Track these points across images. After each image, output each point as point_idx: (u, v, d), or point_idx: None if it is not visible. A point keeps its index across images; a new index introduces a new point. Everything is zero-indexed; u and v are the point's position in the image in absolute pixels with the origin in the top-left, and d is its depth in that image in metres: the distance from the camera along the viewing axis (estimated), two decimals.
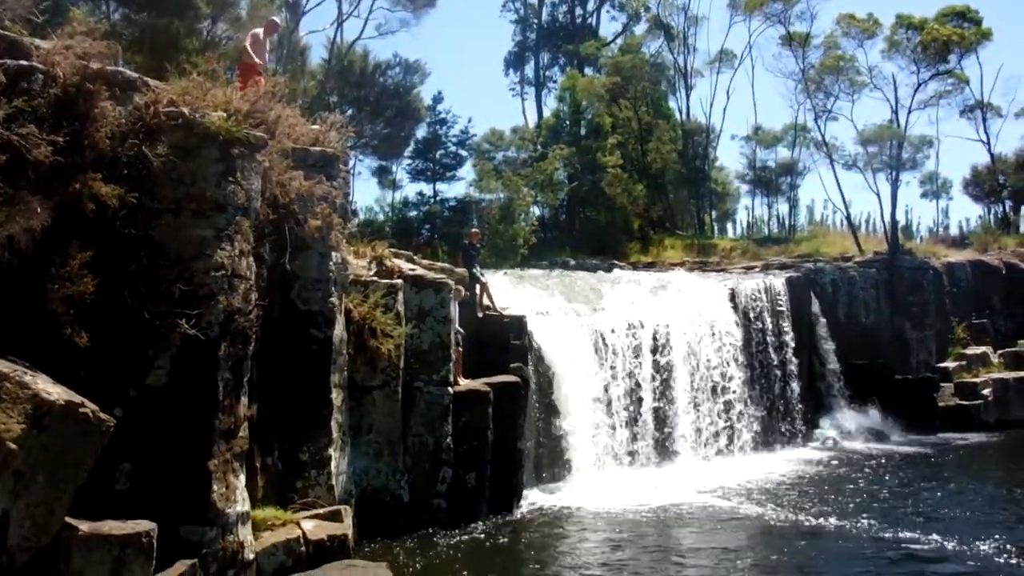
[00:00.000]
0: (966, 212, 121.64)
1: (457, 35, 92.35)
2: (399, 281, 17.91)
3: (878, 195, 42.15)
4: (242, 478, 12.34)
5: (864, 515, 18.60)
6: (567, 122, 47.47)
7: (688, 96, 51.92)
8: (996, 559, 15.29)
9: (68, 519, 9.90)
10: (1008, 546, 15.85)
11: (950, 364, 35.71)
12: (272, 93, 14.95)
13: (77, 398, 9.91)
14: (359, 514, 15.84)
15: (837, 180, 48.25)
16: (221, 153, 12.29)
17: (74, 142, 11.37)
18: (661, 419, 25.55)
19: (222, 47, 32.65)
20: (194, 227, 11.96)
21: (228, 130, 12.31)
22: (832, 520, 18.29)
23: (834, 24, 44.38)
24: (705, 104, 54.83)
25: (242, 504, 12.17)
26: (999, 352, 36.54)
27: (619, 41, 55.55)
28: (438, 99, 46.84)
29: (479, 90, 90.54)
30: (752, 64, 50.62)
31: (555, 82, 55.44)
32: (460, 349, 19.55)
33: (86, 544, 9.89)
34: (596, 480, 22.34)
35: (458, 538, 16.93)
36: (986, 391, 34.12)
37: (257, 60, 16.93)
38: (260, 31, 17.48)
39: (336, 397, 15.41)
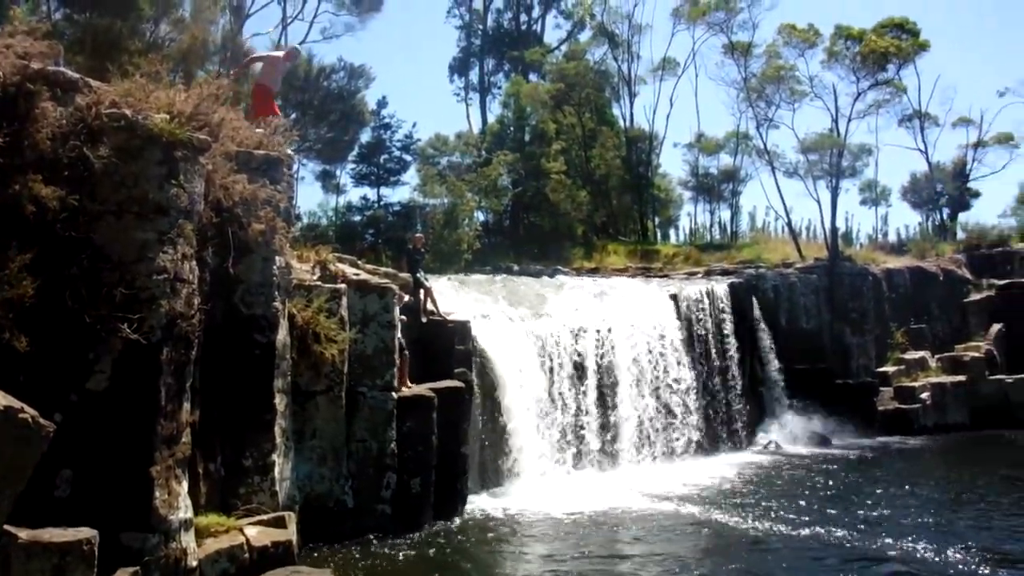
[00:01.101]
0: (905, 219, 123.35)
1: (402, 40, 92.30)
2: (343, 286, 17.80)
3: (818, 202, 42.54)
4: (185, 484, 12.22)
5: (807, 519, 18.78)
6: (511, 128, 47.53)
7: (632, 103, 52.21)
8: (938, 562, 15.49)
9: (7, 527, 9.75)
10: (950, 550, 16.06)
11: (889, 369, 36.16)
12: (216, 96, 14.80)
13: (16, 403, 9.75)
14: (303, 520, 15.70)
15: (778, 187, 48.79)
16: (164, 155, 12.18)
17: (14, 143, 11.23)
18: (604, 424, 25.64)
19: (165, 48, 32.37)
20: (136, 230, 11.83)
21: (171, 132, 12.20)
22: (775, 524, 18.41)
23: (776, 34, 44.85)
24: (648, 111, 55.49)
25: (185, 511, 12.05)
26: (937, 357, 37.03)
27: (564, 48, 55.83)
28: (383, 104, 46.82)
29: (424, 95, 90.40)
30: (695, 72, 51.29)
31: (500, 88, 55.64)
32: (406, 354, 19.48)
33: (26, 552, 9.73)
34: (540, 485, 22.35)
35: (402, 544, 16.86)
36: (924, 395, 34.60)
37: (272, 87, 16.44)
38: (279, 55, 16.90)
39: (279, 402, 15.29)
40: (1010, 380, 35.98)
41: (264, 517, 14.16)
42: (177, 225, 12.18)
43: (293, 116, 36.95)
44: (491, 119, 51.86)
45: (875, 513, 19.55)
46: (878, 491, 22.38)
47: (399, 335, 19.33)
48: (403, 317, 19.71)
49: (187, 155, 12.51)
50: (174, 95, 13.52)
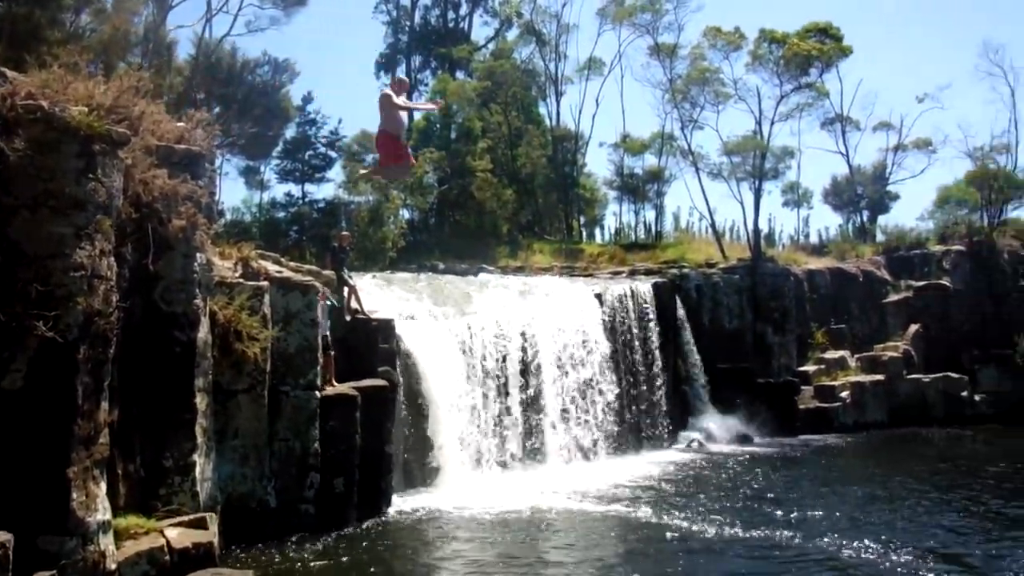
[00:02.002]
0: (826, 221, 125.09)
1: (328, 35, 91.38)
2: (265, 283, 17.59)
3: (742, 203, 42.83)
4: (103, 486, 11.99)
5: (733, 518, 18.88)
6: (437, 125, 47.40)
7: (558, 102, 52.31)
8: (870, 559, 15.68)
9: None
10: (880, 547, 16.28)
11: (810, 368, 36.67)
12: (136, 89, 14.54)
13: None
14: (225, 521, 15.51)
15: (702, 188, 49.28)
16: (82, 149, 11.94)
17: None
18: (529, 422, 25.64)
19: (85, 39, 31.76)
20: (52, 225, 11.60)
21: (89, 125, 11.95)
22: (701, 523, 18.48)
23: (701, 36, 45.17)
24: (575, 111, 55.16)
25: (103, 512, 11.83)
26: (856, 356, 37.63)
27: (491, 46, 55.73)
28: (308, 99, 46.44)
29: (350, 91, 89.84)
30: (621, 73, 51.11)
31: (426, 85, 55.36)
32: (332, 353, 19.31)
33: None
34: (464, 484, 22.29)
35: (326, 544, 16.73)
36: (844, 394, 35.13)
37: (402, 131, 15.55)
38: (390, 92, 15.88)
39: (200, 401, 15.06)
40: (927, 379, 36.74)
41: (185, 518, 13.97)
42: (95, 220, 11.94)
43: (216, 110, 36.53)
44: (417, 116, 51.58)
45: (801, 511, 19.73)
46: (802, 489, 22.67)
47: (327, 333, 19.18)
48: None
49: (106, 149, 12.27)
50: (93, 87, 13.25)
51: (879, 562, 15.38)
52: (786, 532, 17.48)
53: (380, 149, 15.16)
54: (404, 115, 15.68)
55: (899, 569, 14.91)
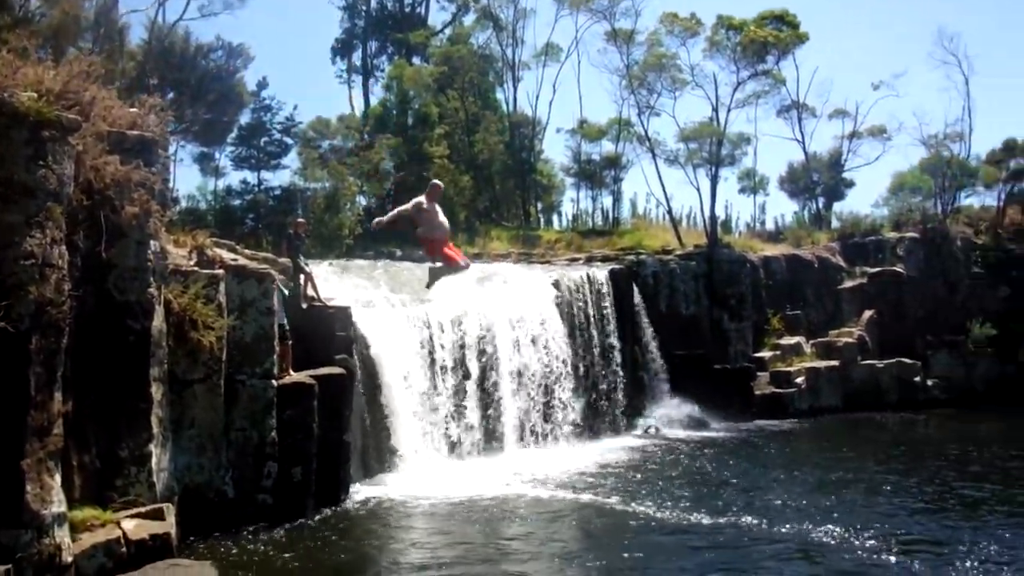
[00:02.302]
0: (782, 208, 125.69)
1: (283, 20, 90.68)
2: (221, 271, 17.43)
3: (698, 190, 42.87)
4: (58, 478, 11.84)
5: (693, 502, 18.99)
6: (394, 111, 47.07)
7: (515, 88, 52.03)
8: (831, 544, 15.79)
9: None
10: (842, 532, 16.41)
11: (766, 354, 36.87)
12: (87, 73, 14.34)
13: None
14: (182, 511, 15.39)
15: (659, 175, 49.13)
16: (31, 135, 11.76)
17: None
18: (487, 409, 25.60)
19: (35, 23, 31.27)
20: (2, 213, 11.42)
21: (39, 111, 11.77)
22: (662, 507, 18.55)
23: (658, 22, 45.10)
24: (532, 97, 55.13)
25: (58, 505, 11.68)
26: (811, 342, 37.90)
27: (448, 31, 55.43)
28: (263, 85, 45.92)
29: (305, 77, 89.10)
30: (578, 59, 51.11)
31: (382, 71, 54.99)
32: (290, 342, 19.19)
33: None
34: (423, 472, 22.23)
35: (284, 533, 16.66)
36: (799, 379, 35.37)
37: (437, 234, 15.06)
38: (423, 199, 15.42)
39: (156, 391, 14.92)
40: (881, 365, 37.11)
41: (142, 509, 13.87)
42: (45, 208, 11.76)
43: (170, 96, 36.19)
44: (374, 102, 51.29)
45: (764, 496, 19.86)
46: (762, 474, 22.77)
47: (284, 322, 19.05)
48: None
49: (56, 135, 12.09)
50: (43, 72, 13.06)
51: (845, 547, 15.47)
52: (751, 518, 17.53)
53: (428, 252, 15.05)
54: (442, 218, 15.61)
55: (865, 554, 15.01)
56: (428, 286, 27.00)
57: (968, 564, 14.23)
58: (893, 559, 14.64)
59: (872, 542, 15.64)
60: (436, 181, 15.41)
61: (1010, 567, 14.34)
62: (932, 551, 15.28)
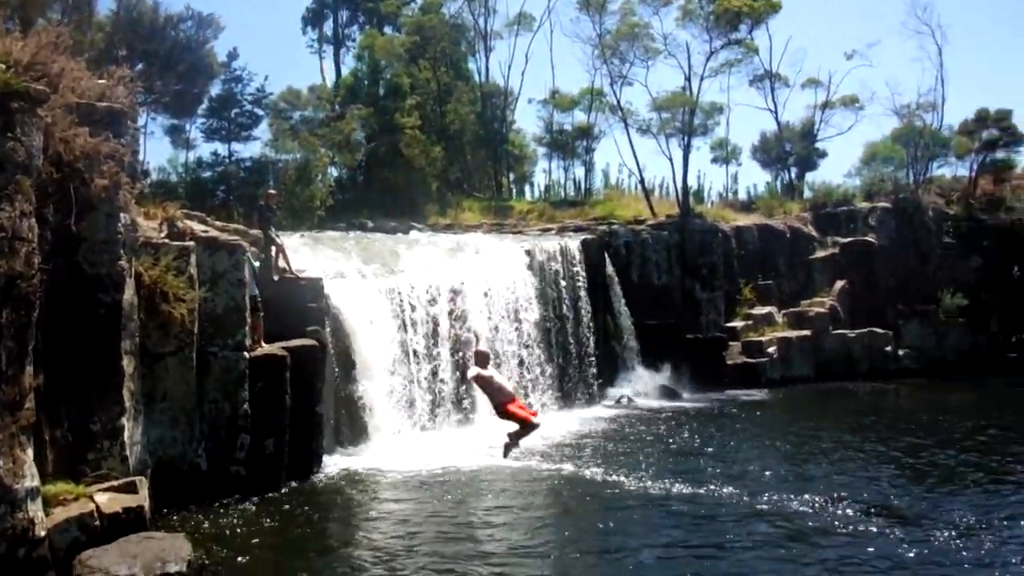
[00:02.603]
0: (754, 178, 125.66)
1: None
2: (192, 243, 17.33)
3: (671, 160, 42.98)
4: (30, 452, 11.77)
5: (669, 473, 19.14)
6: (365, 82, 46.91)
7: (487, 58, 52.04)
8: (804, 511, 16.02)
9: None
10: (814, 497, 16.68)
11: (738, 324, 37.13)
12: (55, 45, 14.19)
13: None
14: (156, 484, 15.36)
15: (632, 145, 49.17)
16: None
17: None
18: (459, 381, 25.62)
19: None
20: None
21: (6, 83, 11.64)
22: (637, 478, 18.68)
23: None
24: (504, 67, 54.99)
25: (31, 479, 11.62)
26: (783, 312, 38.17)
27: (419, 0, 55.12)
28: (233, 56, 45.52)
29: (276, 48, 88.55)
30: (551, 28, 51.03)
31: (354, 41, 54.71)
32: (261, 313, 19.13)
33: None
34: (396, 443, 22.33)
35: (257, 505, 16.70)
36: (771, 349, 35.65)
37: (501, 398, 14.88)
38: (472, 369, 15.25)
39: (127, 364, 14.84)
40: (852, 334, 37.44)
41: (115, 483, 13.82)
42: (14, 181, 11.64)
43: (139, 67, 35.85)
44: (345, 73, 51.10)
45: (740, 466, 20.05)
46: (737, 444, 22.96)
47: (255, 293, 18.99)
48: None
49: (24, 107, 11.96)
50: (10, 44, 12.92)
51: (824, 516, 15.65)
52: (729, 488, 17.67)
53: (499, 416, 14.81)
54: (499, 378, 15.42)
55: (844, 523, 15.19)
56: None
57: (946, 533, 14.38)
58: (873, 528, 14.77)
59: (850, 511, 15.80)
60: (482, 349, 15.00)
61: (986, 532, 14.55)
62: (910, 519, 15.44)
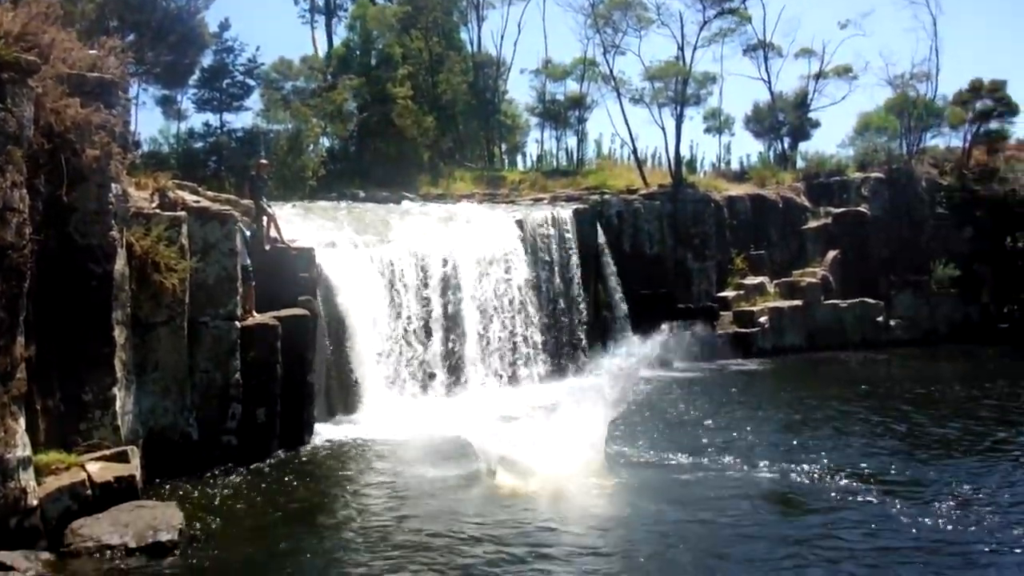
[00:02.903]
0: (747, 148, 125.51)
1: None
2: (183, 213, 17.34)
3: (663, 130, 42.86)
4: (22, 422, 11.86)
5: (666, 442, 19.12)
6: (357, 52, 46.71)
7: (480, 28, 51.84)
8: (804, 482, 16.08)
9: None
10: (812, 468, 16.75)
11: (730, 294, 37.21)
12: (46, 15, 14.16)
13: None
14: (148, 454, 15.46)
15: (624, 114, 48.96)
16: None
17: None
18: (451, 350, 25.75)
19: None
20: None
21: None
22: (635, 446, 18.66)
23: None
24: (496, 36, 54.50)
25: (23, 449, 11.71)
26: (775, 282, 38.22)
27: None
28: (225, 26, 45.29)
29: (267, 18, 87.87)
30: None
31: (345, 11, 54.36)
32: (253, 283, 19.17)
33: None
34: (388, 412, 22.34)
35: (249, 474, 16.76)
36: (763, 319, 35.76)
37: None
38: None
39: (119, 335, 14.90)
40: (844, 304, 37.56)
41: (106, 452, 13.94)
42: (5, 151, 11.68)
43: (131, 37, 35.70)
44: (337, 43, 50.82)
45: (737, 436, 20.00)
46: (731, 414, 22.91)
47: (248, 262, 19.04)
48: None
49: (15, 77, 11.98)
50: (1, 14, 12.89)
51: (825, 487, 15.67)
52: (728, 457, 17.66)
53: None
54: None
55: (844, 494, 15.17)
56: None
57: (944, 504, 14.41)
58: (872, 498, 14.80)
59: (847, 481, 15.86)
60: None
61: (985, 501, 14.66)
62: (907, 489, 15.47)
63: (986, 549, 12.39)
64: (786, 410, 23.50)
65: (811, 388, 27.57)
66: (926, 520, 13.60)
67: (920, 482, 16.05)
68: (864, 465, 17.18)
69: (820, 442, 19.38)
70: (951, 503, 14.48)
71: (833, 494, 15.23)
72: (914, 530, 13.23)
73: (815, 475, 16.32)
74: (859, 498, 14.92)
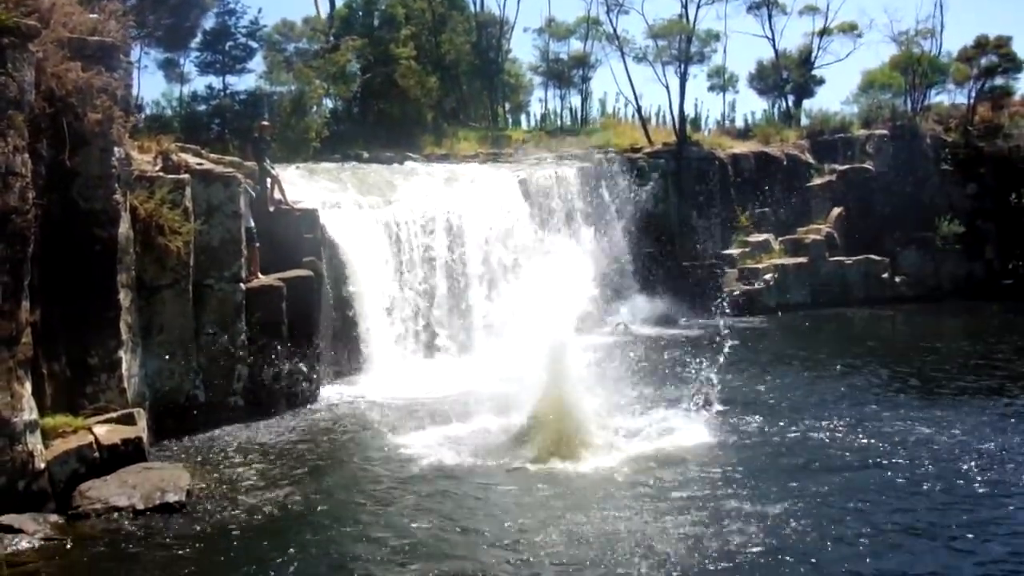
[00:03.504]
0: (751, 106, 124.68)
1: None
2: (186, 176, 17.37)
3: (667, 88, 42.70)
4: (28, 386, 11.95)
5: (674, 399, 19.00)
6: (360, 13, 46.47)
7: None
8: (832, 439, 16.07)
9: None
10: (838, 425, 16.83)
11: (734, 251, 37.19)
12: None
13: None
14: (155, 416, 15.63)
15: (628, 73, 48.88)
16: None
17: None
18: (457, 310, 25.79)
19: None
20: None
21: None
22: (638, 402, 18.51)
23: None
24: None
25: (29, 412, 11.81)
26: (780, 239, 38.15)
27: None
28: None
29: None
30: None
31: None
32: (257, 245, 19.22)
33: None
34: (392, 373, 22.44)
35: (255, 435, 16.88)
36: (768, 276, 35.78)
37: None
38: None
39: (124, 298, 14.98)
40: (848, 261, 37.47)
41: (113, 415, 14.04)
42: (7, 116, 11.70)
43: (131, 1, 35.59)
44: (339, 4, 50.55)
45: (746, 394, 19.95)
46: (737, 371, 22.32)
47: (252, 224, 19.10)
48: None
49: (15, 42, 11.98)
50: None
51: (847, 444, 15.68)
52: (745, 416, 17.64)
53: None
54: None
55: (866, 451, 15.13)
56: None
57: (972, 463, 14.30)
58: (902, 460, 14.60)
59: (867, 440, 15.81)
60: None
61: (1009, 457, 14.70)
62: (935, 445, 15.44)
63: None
64: (796, 367, 23.59)
65: (820, 344, 27.70)
66: (957, 479, 13.55)
67: (941, 440, 15.82)
68: (884, 423, 17.03)
69: (836, 398, 19.34)
70: (977, 461, 14.40)
71: (859, 450, 15.21)
72: (943, 487, 13.20)
73: (838, 433, 16.29)
74: (884, 459, 14.73)
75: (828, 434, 16.29)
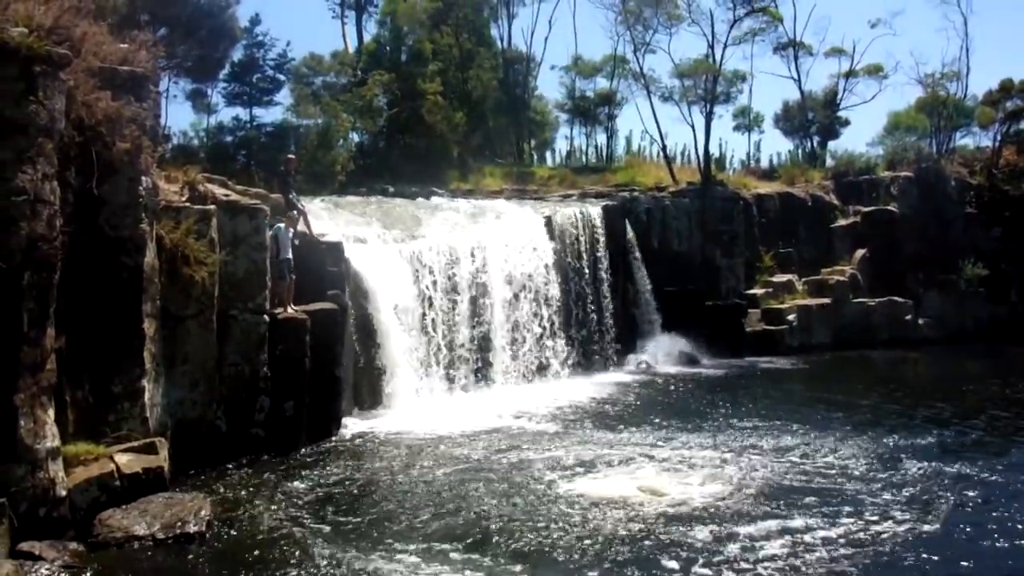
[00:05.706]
0: (777, 146, 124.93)
1: None
2: (212, 207, 17.43)
3: (693, 127, 42.72)
4: (51, 412, 11.95)
5: (696, 439, 19.05)
6: (388, 47, 46.77)
7: (510, 24, 51.72)
8: (870, 475, 15.99)
9: None
10: (875, 464, 16.72)
11: (758, 291, 37.03)
12: (78, 9, 14.26)
13: None
14: (176, 446, 15.56)
15: (654, 112, 48.75)
16: (21, 71, 11.74)
17: None
18: (478, 345, 25.81)
19: None
20: None
21: (29, 46, 11.74)
22: (659, 439, 18.66)
23: None
24: (527, 33, 54.59)
25: (52, 439, 11.81)
26: (803, 280, 38.01)
27: None
28: (255, 21, 45.34)
29: (298, 13, 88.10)
30: None
31: (376, 6, 54.38)
32: (293, 276, 19.31)
33: None
34: (415, 406, 22.49)
35: (276, 467, 16.85)
36: (791, 317, 35.60)
37: None
38: None
39: (148, 327, 15.00)
40: (872, 303, 37.28)
41: (135, 444, 14.03)
42: (36, 144, 11.77)
43: (162, 32, 35.87)
44: (367, 38, 50.87)
45: (767, 434, 19.76)
46: (757, 411, 22.55)
47: (290, 256, 19.17)
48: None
49: (47, 70, 12.07)
50: (33, 7, 12.97)
51: (893, 480, 15.67)
52: (770, 456, 17.48)
53: None
54: None
55: (906, 496, 14.84)
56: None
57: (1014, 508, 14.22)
58: (943, 502, 14.47)
59: (908, 482, 15.64)
60: None
61: None
62: (972, 488, 15.32)
63: None
64: (822, 409, 23.29)
65: (844, 385, 27.18)
66: (991, 525, 13.39)
67: (979, 481, 15.75)
68: (938, 463, 16.87)
69: (867, 441, 19.00)
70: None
71: (914, 491, 15.05)
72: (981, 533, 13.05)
73: (888, 471, 16.26)
74: (937, 494, 14.79)
75: (856, 480, 16.02)
